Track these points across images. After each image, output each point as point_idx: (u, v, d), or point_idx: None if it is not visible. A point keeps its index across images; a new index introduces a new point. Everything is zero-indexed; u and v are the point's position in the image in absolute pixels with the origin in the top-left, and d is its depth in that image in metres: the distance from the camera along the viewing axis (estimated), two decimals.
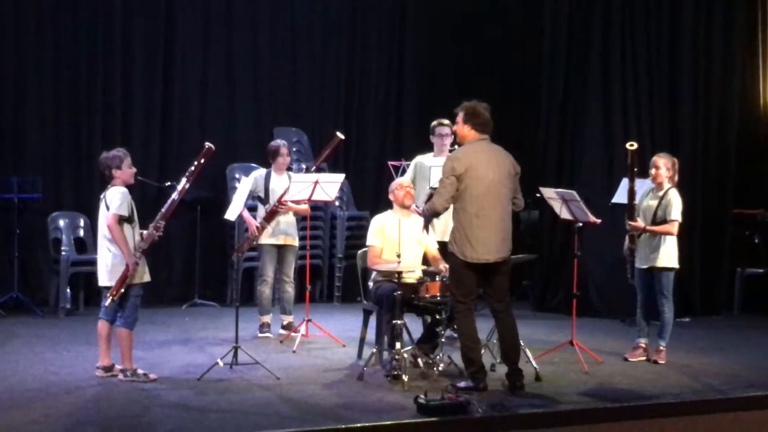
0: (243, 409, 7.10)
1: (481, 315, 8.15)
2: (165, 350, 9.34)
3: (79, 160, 12.11)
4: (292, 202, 9.88)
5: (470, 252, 7.69)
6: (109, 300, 7.88)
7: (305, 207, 10.15)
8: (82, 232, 11.77)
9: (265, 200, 10.14)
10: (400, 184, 9.04)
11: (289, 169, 10.46)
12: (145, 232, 8.07)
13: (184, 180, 8.18)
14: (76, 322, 10.87)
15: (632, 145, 8.98)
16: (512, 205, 8.01)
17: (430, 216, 8.14)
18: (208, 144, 8.36)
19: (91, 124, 12.16)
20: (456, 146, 9.63)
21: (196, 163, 8.26)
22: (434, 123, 10.01)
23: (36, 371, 8.26)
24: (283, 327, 10.24)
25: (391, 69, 14.18)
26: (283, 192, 9.83)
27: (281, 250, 10.21)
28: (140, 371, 8.01)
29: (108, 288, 7.98)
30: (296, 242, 10.32)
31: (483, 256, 7.69)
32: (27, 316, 11.06)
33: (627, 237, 9.36)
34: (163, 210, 8.11)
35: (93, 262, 11.12)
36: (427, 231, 8.80)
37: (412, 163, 10.00)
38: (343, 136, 10.42)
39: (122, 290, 7.86)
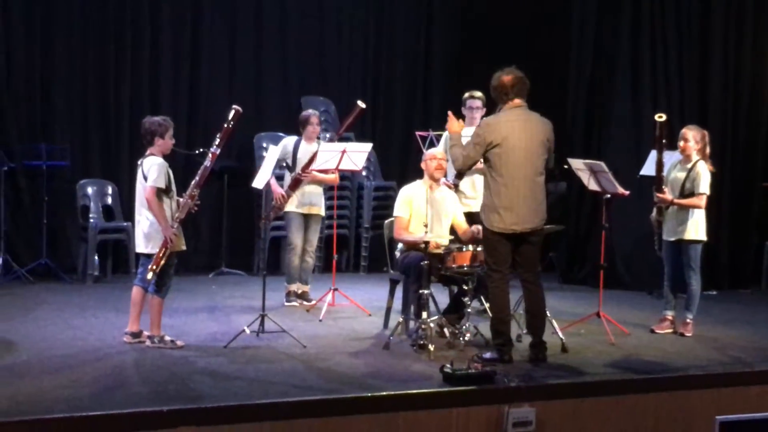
0: (269, 377, 7.11)
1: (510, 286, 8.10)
2: (192, 318, 9.38)
3: (107, 127, 12.15)
4: (319, 171, 9.88)
5: (498, 221, 7.65)
6: (150, 274, 7.87)
7: (333, 177, 10.14)
8: (110, 200, 11.82)
9: (293, 168, 10.13)
10: (433, 155, 8.98)
11: (319, 138, 10.45)
12: (181, 200, 8.09)
13: (214, 146, 8.18)
14: (104, 288, 10.95)
15: (661, 117, 8.91)
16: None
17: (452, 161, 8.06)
18: (235, 107, 8.32)
19: (119, 92, 12.19)
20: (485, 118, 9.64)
21: (225, 126, 8.24)
22: (466, 95, 9.95)
23: (64, 337, 8.31)
24: (299, 296, 10.26)
25: (419, 38, 14.14)
26: (309, 160, 9.82)
27: (307, 218, 10.22)
28: (168, 338, 8.05)
29: (145, 255, 8.00)
30: (322, 212, 10.32)
31: (510, 225, 7.64)
32: (55, 283, 11.14)
33: (654, 209, 9.32)
34: (196, 178, 8.11)
35: (121, 230, 11.27)
36: (457, 188, 8.86)
37: (444, 135, 9.95)
38: (364, 105, 10.37)
39: (162, 262, 7.88)
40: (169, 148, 8.13)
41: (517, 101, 7.73)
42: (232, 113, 8.26)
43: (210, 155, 8.15)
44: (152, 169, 7.89)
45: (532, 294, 7.92)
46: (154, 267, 7.84)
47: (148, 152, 8.06)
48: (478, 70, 13.46)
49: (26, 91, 11.83)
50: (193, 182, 8.10)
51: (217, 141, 8.18)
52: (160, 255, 7.86)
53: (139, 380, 6.96)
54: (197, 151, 8.47)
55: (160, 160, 7.99)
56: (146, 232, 8.00)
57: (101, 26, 12.10)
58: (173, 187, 8.07)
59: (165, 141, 8.06)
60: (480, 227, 8.53)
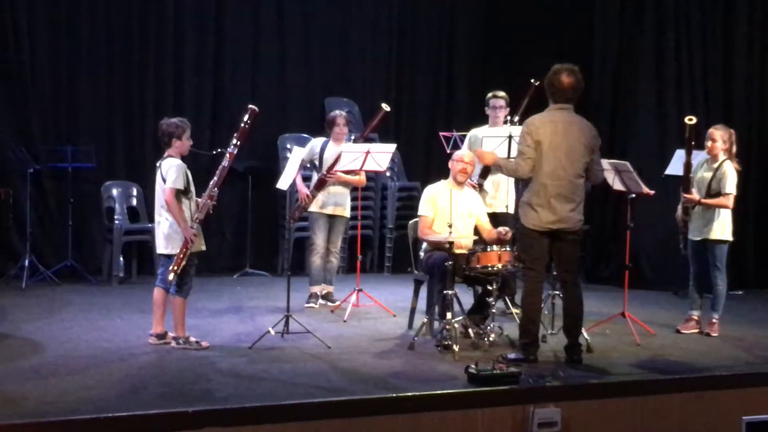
0: (294, 378, 7.11)
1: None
2: (217, 319, 9.40)
3: (131, 129, 12.19)
4: (344, 171, 9.88)
5: (534, 218, 7.63)
6: (171, 275, 7.89)
7: (359, 178, 10.14)
8: (134, 201, 11.86)
9: (320, 169, 10.14)
10: (461, 158, 8.96)
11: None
12: (200, 200, 8.11)
13: (232, 146, 8.19)
14: (129, 290, 10.98)
15: (691, 120, 8.84)
16: (589, 177, 7.88)
17: (510, 176, 8.04)
18: (251, 106, 8.34)
19: (143, 95, 12.24)
20: (508, 117, 9.64)
21: (242, 126, 8.25)
22: (489, 95, 9.93)
23: (90, 338, 8.35)
24: (323, 297, 10.25)
25: (442, 38, 14.15)
26: (334, 161, 9.82)
27: (331, 219, 10.21)
28: (193, 339, 8.07)
29: (165, 256, 8.03)
30: (347, 213, 10.31)
31: (546, 223, 7.62)
32: (81, 284, 11.18)
33: (680, 208, 9.28)
34: (215, 178, 8.13)
35: (145, 231, 11.31)
36: (481, 188, 8.87)
37: (468, 136, 9.94)
38: (389, 108, 10.38)
39: (183, 263, 7.91)
40: (187, 149, 8.16)
41: (566, 104, 7.71)
42: (248, 113, 8.27)
43: (227, 155, 8.16)
44: (170, 171, 7.92)
45: (570, 294, 7.90)
46: (175, 268, 7.87)
47: (166, 154, 8.09)
48: (501, 69, 13.58)
49: (51, 94, 11.88)
50: (211, 182, 8.11)
51: (234, 141, 8.20)
52: (181, 256, 7.89)
53: (164, 381, 6.97)
54: (214, 152, 8.49)
55: (178, 161, 8.01)
56: (166, 234, 8.03)
57: (125, 28, 12.15)
58: (192, 188, 8.09)
59: (183, 142, 8.08)
60: (507, 229, 8.55)
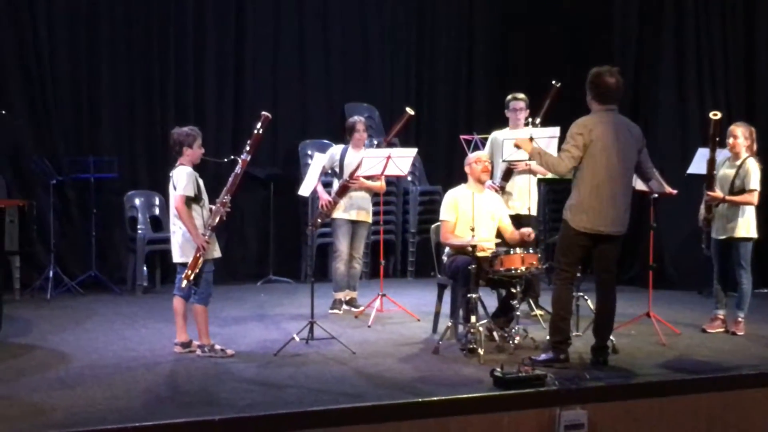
0: (320, 384, 7.12)
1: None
2: (241, 326, 9.42)
3: (153, 139, 12.21)
4: (365, 177, 9.88)
5: (584, 221, 7.59)
6: (184, 282, 7.93)
7: (380, 184, 10.14)
8: (157, 211, 11.90)
9: (340, 176, 10.14)
10: (478, 158, 8.97)
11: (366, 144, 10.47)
12: (213, 207, 8.13)
13: (244, 153, 8.20)
14: (153, 299, 11.01)
15: (716, 115, 8.80)
16: (644, 175, 7.94)
17: (547, 170, 8.02)
18: (264, 113, 8.34)
19: (164, 105, 12.28)
20: (529, 120, 9.62)
21: (254, 133, 8.26)
22: (509, 97, 9.91)
23: (115, 348, 8.37)
24: (347, 303, 10.25)
25: (462, 42, 14.16)
26: (356, 167, 9.83)
27: (354, 225, 10.21)
28: (218, 347, 8.08)
29: (182, 264, 8.05)
30: (370, 218, 10.30)
31: (597, 226, 7.60)
32: (105, 294, 11.22)
33: (703, 207, 9.25)
34: (228, 185, 8.15)
35: (168, 240, 11.27)
36: (503, 190, 8.89)
37: (489, 138, 9.93)
38: (413, 112, 10.39)
39: (197, 271, 7.93)
40: (199, 157, 8.17)
41: (613, 105, 7.69)
42: (260, 120, 8.28)
43: (240, 162, 8.17)
44: (180, 179, 7.95)
45: (604, 296, 7.89)
46: (188, 273, 7.89)
47: (178, 163, 8.11)
48: (520, 71, 13.57)
49: (73, 105, 11.93)
50: (224, 189, 8.13)
51: (247, 148, 8.21)
52: (193, 263, 7.91)
53: (190, 390, 6.99)
54: (226, 159, 8.51)
55: (188, 169, 8.03)
56: (180, 242, 8.05)
57: (146, 37, 12.20)
58: (204, 196, 8.11)
59: (194, 150, 8.10)
60: (530, 230, 8.51)
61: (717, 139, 8.89)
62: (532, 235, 8.63)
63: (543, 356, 7.72)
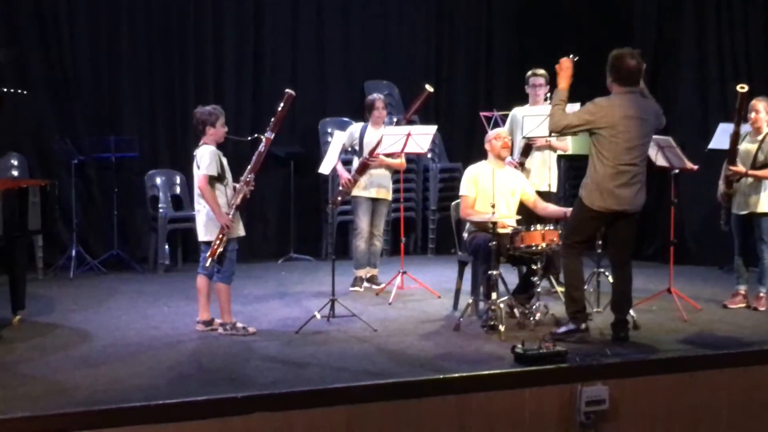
0: (341, 362, 7.16)
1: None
2: (262, 304, 9.45)
3: (173, 118, 12.24)
4: (385, 155, 9.88)
5: (600, 201, 7.58)
6: (209, 261, 7.97)
7: (400, 161, 10.14)
8: (178, 189, 11.93)
9: (360, 153, 10.15)
10: (497, 135, 8.96)
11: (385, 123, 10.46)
12: (236, 186, 8.14)
13: (268, 131, 8.21)
14: (175, 277, 11.06)
15: (743, 88, 8.64)
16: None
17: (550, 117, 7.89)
18: (288, 90, 8.34)
19: (184, 83, 12.28)
20: (548, 95, 9.57)
21: (278, 110, 8.26)
22: (529, 73, 9.87)
23: (138, 326, 8.42)
24: (368, 280, 10.27)
25: (481, 19, 14.09)
26: (375, 145, 9.83)
27: (374, 203, 10.22)
28: (239, 325, 8.12)
29: (206, 243, 8.09)
30: (389, 196, 10.30)
31: (612, 206, 7.59)
32: (127, 273, 11.27)
33: (722, 182, 9.21)
34: (251, 164, 8.16)
35: (190, 219, 11.33)
36: (522, 166, 8.87)
37: (510, 115, 9.91)
38: (432, 89, 10.37)
39: (220, 249, 7.96)
40: (222, 136, 8.19)
41: (635, 87, 7.64)
42: (284, 97, 8.27)
43: (264, 140, 8.18)
44: (204, 158, 7.98)
45: (621, 273, 7.90)
46: (213, 253, 7.92)
47: (201, 142, 8.14)
48: (539, 47, 13.51)
49: (93, 85, 11.95)
50: (248, 168, 8.14)
51: (271, 125, 8.21)
52: (217, 242, 7.93)
53: (213, 367, 7.03)
54: (249, 138, 8.51)
55: (212, 148, 8.05)
56: (204, 221, 8.09)
57: (165, 17, 12.18)
58: (227, 175, 8.13)
59: (217, 129, 8.12)
60: (569, 210, 8.38)
61: (742, 112, 8.83)
62: (568, 213, 8.54)
63: (563, 328, 7.76)
